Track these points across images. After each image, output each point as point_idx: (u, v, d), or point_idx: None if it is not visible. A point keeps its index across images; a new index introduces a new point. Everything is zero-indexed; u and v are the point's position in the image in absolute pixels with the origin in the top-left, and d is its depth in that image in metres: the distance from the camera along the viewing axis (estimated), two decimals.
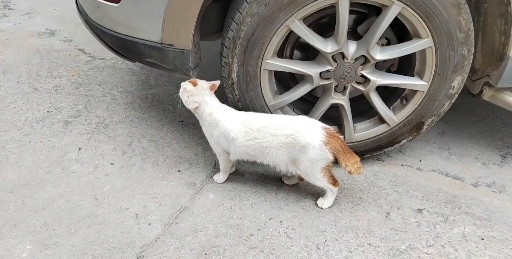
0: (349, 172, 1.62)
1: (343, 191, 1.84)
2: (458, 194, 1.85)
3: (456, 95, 1.75)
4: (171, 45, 1.62)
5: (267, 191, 1.87)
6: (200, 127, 1.84)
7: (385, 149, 1.91)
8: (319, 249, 1.60)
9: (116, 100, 2.45)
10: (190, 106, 1.73)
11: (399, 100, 1.82)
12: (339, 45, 1.62)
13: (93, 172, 1.94)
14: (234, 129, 1.69)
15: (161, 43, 1.63)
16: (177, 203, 1.79)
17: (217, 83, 1.78)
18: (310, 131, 1.61)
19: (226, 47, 1.66)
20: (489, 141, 2.17)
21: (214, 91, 1.80)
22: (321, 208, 1.77)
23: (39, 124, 2.22)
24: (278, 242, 1.63)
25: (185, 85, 1.74)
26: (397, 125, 1.84)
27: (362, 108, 1.90)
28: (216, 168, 1.99)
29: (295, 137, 1.61)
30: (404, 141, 1.89)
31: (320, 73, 1.70)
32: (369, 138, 1.88)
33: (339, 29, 1.58)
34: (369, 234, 1.66)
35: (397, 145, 1.90)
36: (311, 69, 1.69)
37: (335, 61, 1.68)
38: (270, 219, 1.73)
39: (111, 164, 2.00)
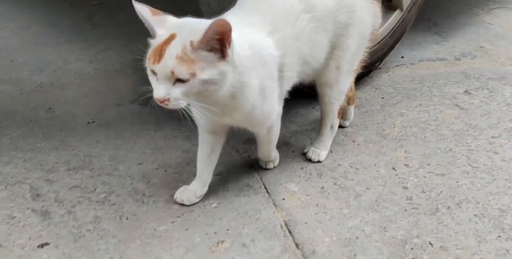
0: None
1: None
2: (463, 70, 1.74)
3: None
4: None
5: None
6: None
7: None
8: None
9: None
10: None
11: None
12: None
13: None
14: (272, 41, 0.92)
15: None
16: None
17: None
18: None
19: None
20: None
21: None
22: (319, 161, 1.18)
23: None
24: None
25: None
26: (408, 8, 1.50)
27: None
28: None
29: None
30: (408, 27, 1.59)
31: None
32: (387, 34, 1.48)
33: None
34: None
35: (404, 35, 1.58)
36: None
37: None
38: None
39: None
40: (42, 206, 0.98)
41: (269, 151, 1.11)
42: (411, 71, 1.71)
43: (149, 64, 0.77)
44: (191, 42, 0.74)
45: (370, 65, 1.48)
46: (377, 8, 1.08)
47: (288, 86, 1.02)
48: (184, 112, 0.80)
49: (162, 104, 0.77)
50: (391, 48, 1.55)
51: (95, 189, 1.04)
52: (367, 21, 1.07)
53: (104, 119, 1.32)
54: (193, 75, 0.75)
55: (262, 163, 1.15)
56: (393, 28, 1.50)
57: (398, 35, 1.54)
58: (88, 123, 1.29)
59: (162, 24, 0.79)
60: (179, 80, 0.76)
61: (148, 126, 1.29)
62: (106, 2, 2.08)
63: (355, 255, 0.90)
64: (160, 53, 0.75)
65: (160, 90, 0.76)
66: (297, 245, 0.92)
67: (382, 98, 1.48)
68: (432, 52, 1.89)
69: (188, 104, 0.80)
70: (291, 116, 1.36)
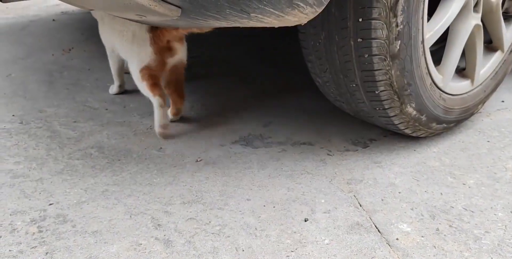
0: None
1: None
2: None
3: None
4: None
5: None
6: None
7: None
8: None
9: None
10: None
11: None
12: None
13: None
14: None
15: None
16: None
17: None
18: None
19: None
20: None
21: None
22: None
23: None
24: None
25: None
26: (509, 49, 1.48)
27: None
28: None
29: None
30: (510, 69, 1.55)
31: None
32: (489, 76, 1.46)
33: None
34: None
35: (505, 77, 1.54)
36: None
37: None
38: None
39: None
40: (164, 235, 1.05)
41: None
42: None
43: None
44: None
45: (473, 108, 1.45)
46: None
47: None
48: None
49: None
50: (493, 90, 1.52)
51: (209, 222, 1.09)
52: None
53: (210, 158, 1.40)
54: None
55: None
56: (494, 70, 1.48)
57: (500, 76, 1.51)
58: (196, 161, 1.39)
59: None
60: None
61: (250, 164, 1.35)
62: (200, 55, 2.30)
63: None
64: None
65: None
66: None
67: (488, 141, 1.42)
68: None
69: None
70: (393, 158, 1.35)
